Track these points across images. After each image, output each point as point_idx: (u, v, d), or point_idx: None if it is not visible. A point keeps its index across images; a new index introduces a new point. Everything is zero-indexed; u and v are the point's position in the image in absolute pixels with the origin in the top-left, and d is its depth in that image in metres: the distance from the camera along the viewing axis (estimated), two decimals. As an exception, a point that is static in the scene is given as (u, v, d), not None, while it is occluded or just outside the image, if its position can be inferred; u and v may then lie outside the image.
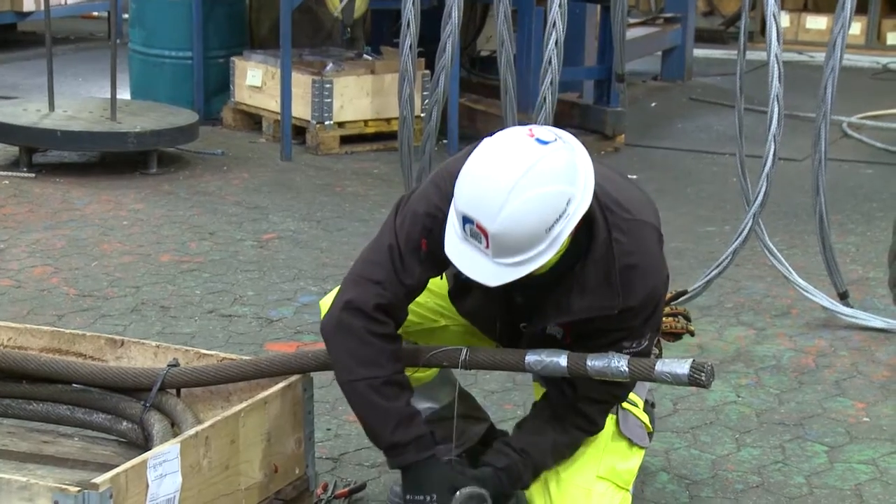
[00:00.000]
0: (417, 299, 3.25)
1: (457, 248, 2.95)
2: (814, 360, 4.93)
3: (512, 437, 3.31)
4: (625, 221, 3.08)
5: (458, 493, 3.08)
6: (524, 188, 2.85)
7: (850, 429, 4.33)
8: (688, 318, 3.87)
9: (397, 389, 3.13)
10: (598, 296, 3.06)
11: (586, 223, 2.99)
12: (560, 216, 2.89)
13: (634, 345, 3.17)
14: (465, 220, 2.91)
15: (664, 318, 3.65)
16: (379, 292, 3.10)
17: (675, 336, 3.85)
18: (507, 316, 3.26)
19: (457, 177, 2.97)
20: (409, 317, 3.24)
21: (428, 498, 3.08)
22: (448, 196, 3.01)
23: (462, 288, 3.31)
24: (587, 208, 2.93)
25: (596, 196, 2.99)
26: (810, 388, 4.65)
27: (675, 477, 3.96)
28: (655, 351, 3.40)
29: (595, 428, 3.29)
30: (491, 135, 3.00)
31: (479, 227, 2.88)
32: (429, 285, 3.25)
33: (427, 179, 3.23)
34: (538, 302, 3.15)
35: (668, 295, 3.66)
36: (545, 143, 2.92)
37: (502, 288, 2.98)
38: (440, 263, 3.10)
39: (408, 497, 3.12)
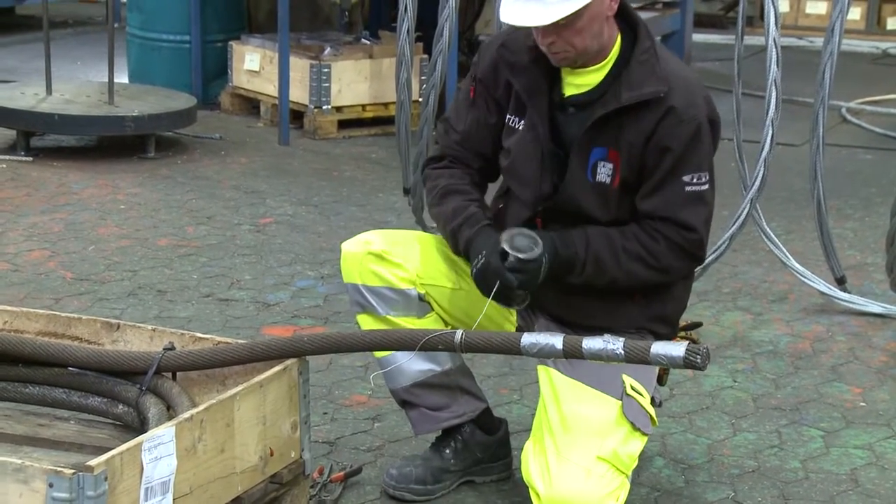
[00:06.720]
0: (437, 263, 3.53)
1: (510, 8, 3.26)
2: (811, 345, 4.92)
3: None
4: (666, 52, 3.42)
5: (504, 233, 3.30)
6: None
7: (847, 414, 4.33)
8: (695, 343, 3.82)
9: (450, 195, 3.52)
10: (645, 84, 3.31)
11: (631, 30, 3.36)
12: None
13: (695, 179, 3.32)
14: None
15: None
16: (435, 148, 3.67)
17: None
18: (552, 152, 3.42)
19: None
20: (429, 271, 3.51)
21: (480, 256, 3.31)
22: (482, 56, 3.52)
23: (511, 132, 3.49)
24: None
25: (647, 28, 3.38)
26: (807, 374, 4.65)
27: (671, 461, 3.96)
28: (651, 338, 3.39)
29: (653, 258, 3.37)
30: None
31: None
32: (449, 255, 3.53)
33: None
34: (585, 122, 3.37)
35: (683, 324, 3.67)
36: None
37: (552, 118, 3.36)
38: (487, 104, 3.51)
39: (472, 264, 3.35)
